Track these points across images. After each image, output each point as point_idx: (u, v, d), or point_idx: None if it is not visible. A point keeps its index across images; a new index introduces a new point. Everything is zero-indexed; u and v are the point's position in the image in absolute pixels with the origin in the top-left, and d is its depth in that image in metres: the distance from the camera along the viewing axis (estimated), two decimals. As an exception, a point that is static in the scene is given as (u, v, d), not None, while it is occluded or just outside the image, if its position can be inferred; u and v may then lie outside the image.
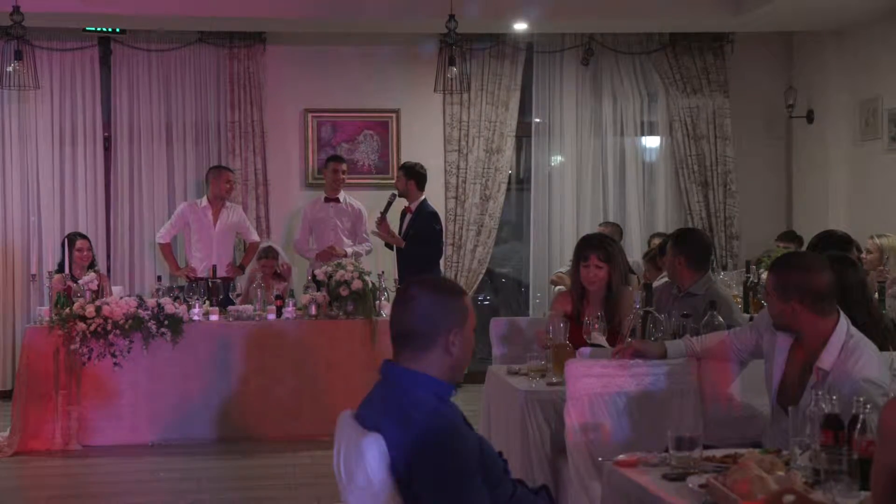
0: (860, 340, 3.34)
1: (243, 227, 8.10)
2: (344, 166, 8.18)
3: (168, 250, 8.01)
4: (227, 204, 8.00)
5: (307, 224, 8.24)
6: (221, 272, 7.67)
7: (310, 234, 8.24)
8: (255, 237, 8.16)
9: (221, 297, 7.33)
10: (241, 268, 8.08)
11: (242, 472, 6.21)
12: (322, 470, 5.62)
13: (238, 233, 8.11)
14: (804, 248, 6.45)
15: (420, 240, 7.66)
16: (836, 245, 5.12)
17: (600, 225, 8.43)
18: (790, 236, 8.04)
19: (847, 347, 3.29)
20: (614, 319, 4.80)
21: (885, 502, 2.33)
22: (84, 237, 7.68)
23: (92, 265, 7.47)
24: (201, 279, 7.47)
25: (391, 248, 7.96)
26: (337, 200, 8.14)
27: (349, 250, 7.96)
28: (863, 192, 8.45)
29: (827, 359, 3.29)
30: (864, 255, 6.67)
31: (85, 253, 7.49)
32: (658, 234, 8.32)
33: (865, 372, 3.20)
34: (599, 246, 4.97)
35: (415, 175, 7.77)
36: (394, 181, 8.18)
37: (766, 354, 3.66)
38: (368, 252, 8.16)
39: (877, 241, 6.87)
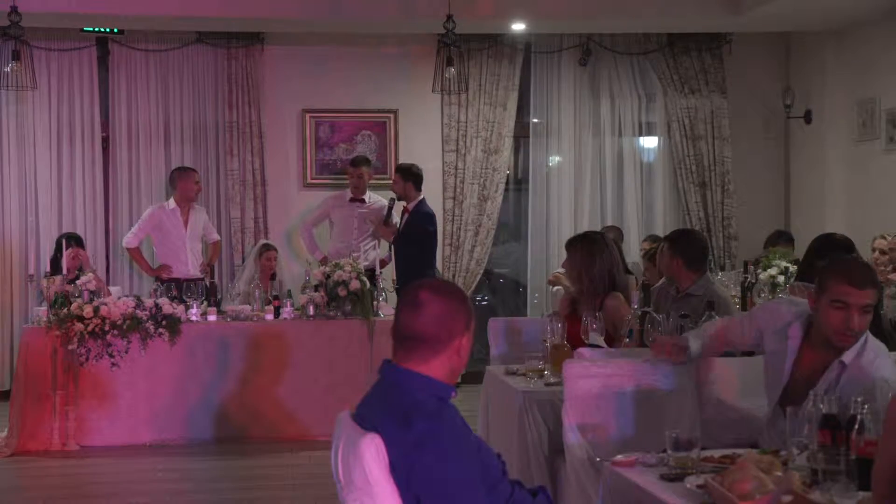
0: (875, 339, 3.41)
1: (208, 228, 8.10)
2: (364, 169, 8.07)
3: (138, 254, 7.93)
4: (195, 205, 7.96)
5: (325, 213, 8.22)
6: (194, 273, 7.71)
7: (320, 223, 8.25)
8: (217, 236, 8.22)
9: (220, 297, 7.32)
10: (209, 266, 8.02)
11: (240, 473, 6.21)
12: (320, 470, 5.63)
13: (203, 234, 8.07)
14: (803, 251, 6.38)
15: (411, 240, 7.61)
16: (837, 250, 5.09)
17: (603, 229, 8.37)
18: (784, 238, 7.97)
19: (867, 344, 3.35)
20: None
21: (888, 497, 2.32)
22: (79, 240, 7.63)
23: (80, 269, 7.45)
24: (175, 279, 7.52)
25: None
26: (362, 201, 8.11)
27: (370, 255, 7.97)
28: (860, 193, 8.45)
29: (850, 353, 3.33)
30: (874, 255, 6.64)
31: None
32: (651, 237, 8.24)
33: (883, 371, 3.28)
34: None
35: (412, 176, 7.74)
36: (392, 182, 8.14)
37: (770, 356, 3.63)
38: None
39: (892, 239, 6.81)
